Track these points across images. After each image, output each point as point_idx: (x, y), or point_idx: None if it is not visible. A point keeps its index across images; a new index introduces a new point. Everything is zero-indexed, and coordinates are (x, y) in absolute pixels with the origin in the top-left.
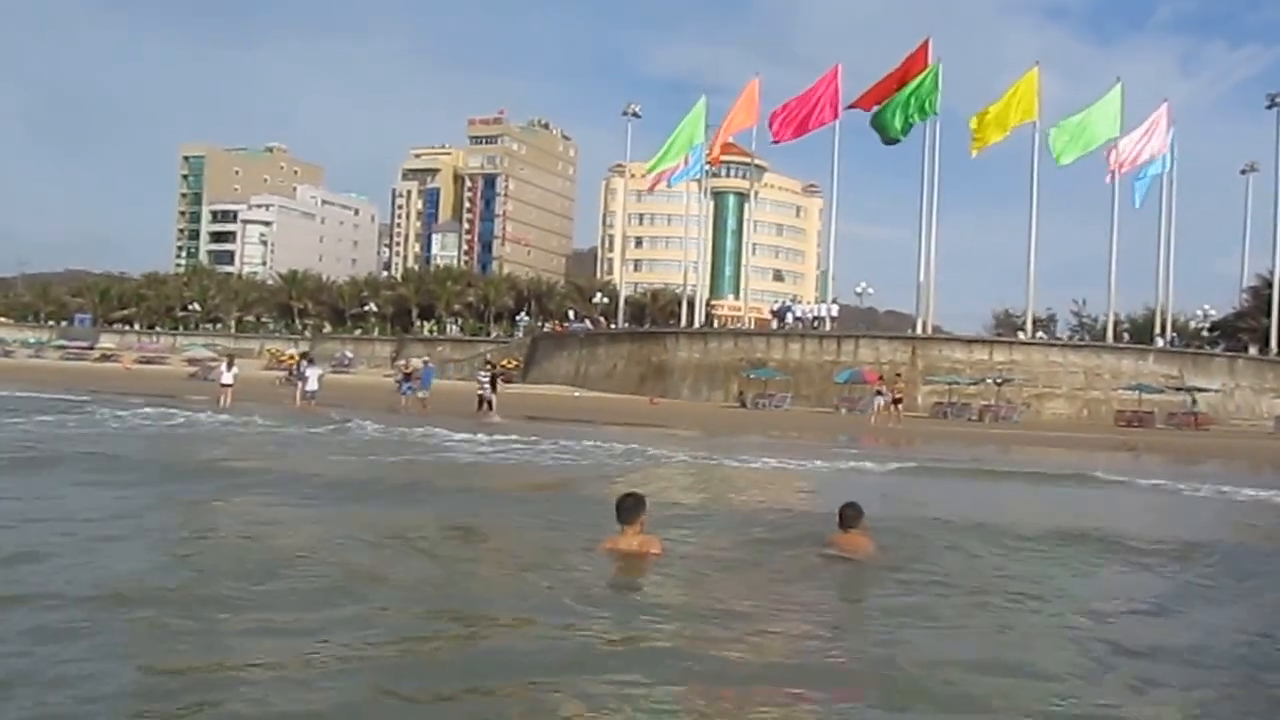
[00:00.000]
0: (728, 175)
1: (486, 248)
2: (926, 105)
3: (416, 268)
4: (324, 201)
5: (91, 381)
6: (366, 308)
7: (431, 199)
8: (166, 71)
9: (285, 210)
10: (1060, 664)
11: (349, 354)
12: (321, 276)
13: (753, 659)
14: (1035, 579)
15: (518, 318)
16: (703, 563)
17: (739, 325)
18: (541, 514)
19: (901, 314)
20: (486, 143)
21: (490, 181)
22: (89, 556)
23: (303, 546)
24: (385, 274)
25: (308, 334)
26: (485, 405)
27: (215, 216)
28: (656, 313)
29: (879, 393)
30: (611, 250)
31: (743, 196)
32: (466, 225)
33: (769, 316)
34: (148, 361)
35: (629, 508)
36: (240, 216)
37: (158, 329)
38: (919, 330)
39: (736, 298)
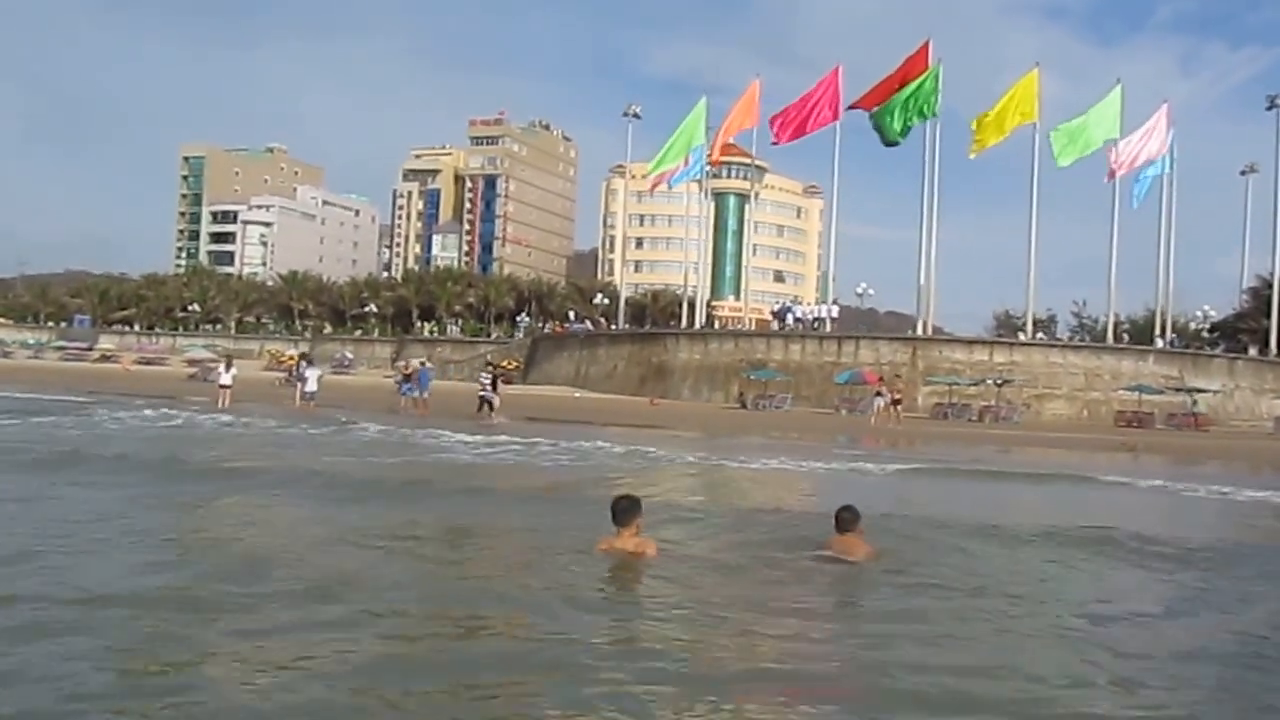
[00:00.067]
0: (728, 176)
1: (487, 248)
2: (926, 107)
3: (417, 268)
4: (324, 202)
5: (91, 382)
6: (367, 309)
7: (432, 200)
8: (167, 71)
9: (285, 211)
10: (1055, 667)
11: (349, 355)
12: (322, 277)
13: (742, 662)
14: (1033, 581)
15: (518, 319)
16: (698, 564)
17: (739, 326)
18: (539, 515)
19: (902, 315)
20: (487, 143)
21: (491, 182)
22: (80, 557)
23: (296, 547)
24: (385, 275)
25: (308, 335)
26: (486, 407)
27: (215, 217)
28: (657, 314)
29: (879, 394)
30: (612, 251)
31: (743, 197)
32: (467, 226)
33: (769, 317)
34: (147, 362)
35: (624, 509)
36: (240, 217)
37: (157, 330)
38: (919, 331)
39: (737, 299)
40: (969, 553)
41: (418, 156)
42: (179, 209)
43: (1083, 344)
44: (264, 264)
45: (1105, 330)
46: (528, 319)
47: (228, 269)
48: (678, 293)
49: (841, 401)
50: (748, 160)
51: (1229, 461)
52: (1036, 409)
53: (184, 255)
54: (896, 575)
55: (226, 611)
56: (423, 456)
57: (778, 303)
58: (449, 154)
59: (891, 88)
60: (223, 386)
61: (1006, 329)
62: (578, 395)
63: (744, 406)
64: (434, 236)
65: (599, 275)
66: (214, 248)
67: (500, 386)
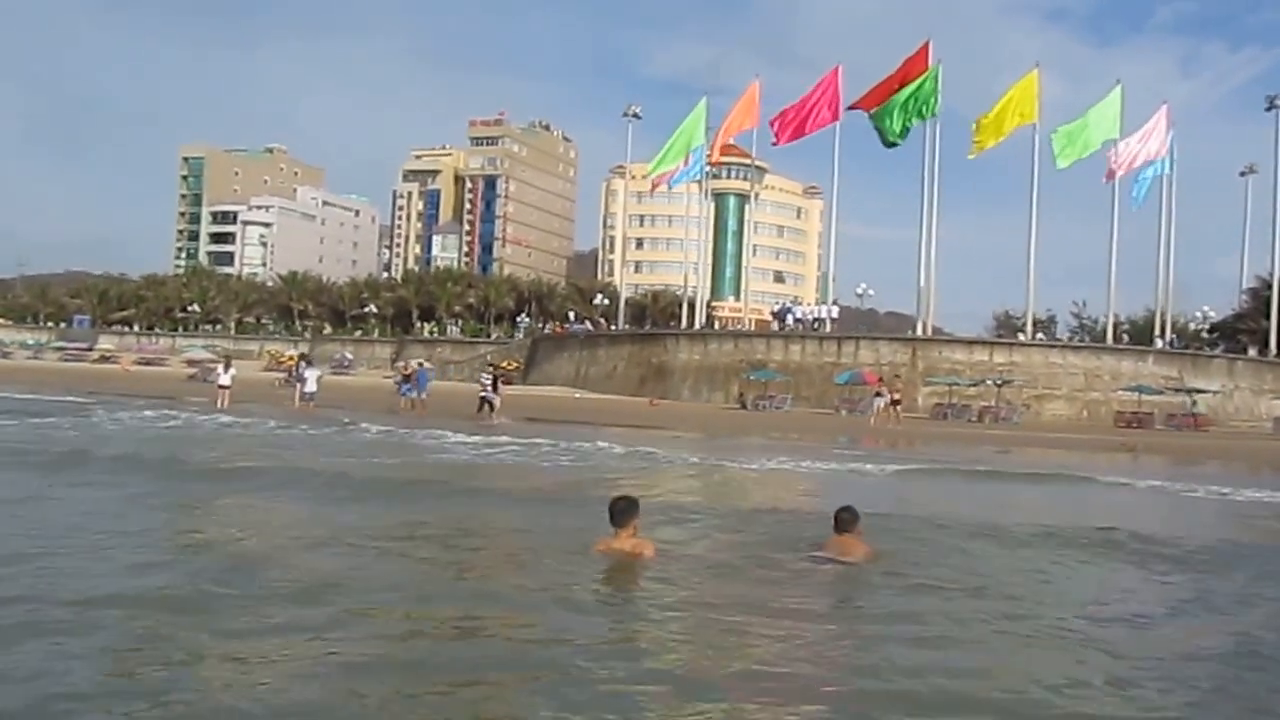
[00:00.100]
0: (728, 177)
1: (487, 249)
2: (925, 108)
3: (417, 269)
4: (324, 203)
5: (90, 383)
6: (366, 309)
7: (432, 200)
8: (166, 72)
9: (285, 211)
10: (1051, 669)
11: (349, 355)
12: (321, 278)
13: (736, 664)
14: (1031, 582)
15: (518, 319)
16: (694, 565)
17: (739, 327)
18: (537, 516)
19: (902, 315)
20: (487, 144)
21: (491, 183)
22: (75, 558)
23: (292, 548)
24: (385, 275)
25: (307, 335)
26: (487, 407)
27: (215, 218)
28: (657, 314)
29: (878, 394)
30: (612, 252)
31: (743, 198)
32: (467, 226)
33: (769, 318)
34: (147, 363)
35: (622, 510)
36: (240, 218)
37: (157, 330)
38: (919, 332)
39: (737, 299)
40: (968, 553)
41: (418, 157)
42: (179, 209)
43: (1082, 344)
44: (264, 264)
45: (1105, 331)
46: (528, 319)
47: (227, 269)
48: (678, 293)
49: (841, 402)
50: (748, 161)
51: (1228, 462)
52: (1036, 409)
53: (184, 256)
54: (894, 576)
55: (219, 612)
56: (422, 457)
57: (778, 303)
58: (449, 154)
59: (891, 88)
60: (221, 387)
61: (1006, 329)
62: (578, 396)
63: (744, 407)
64: (434, 237)
65: (599, 276)
66: (214, 248)
67: (500, 387)
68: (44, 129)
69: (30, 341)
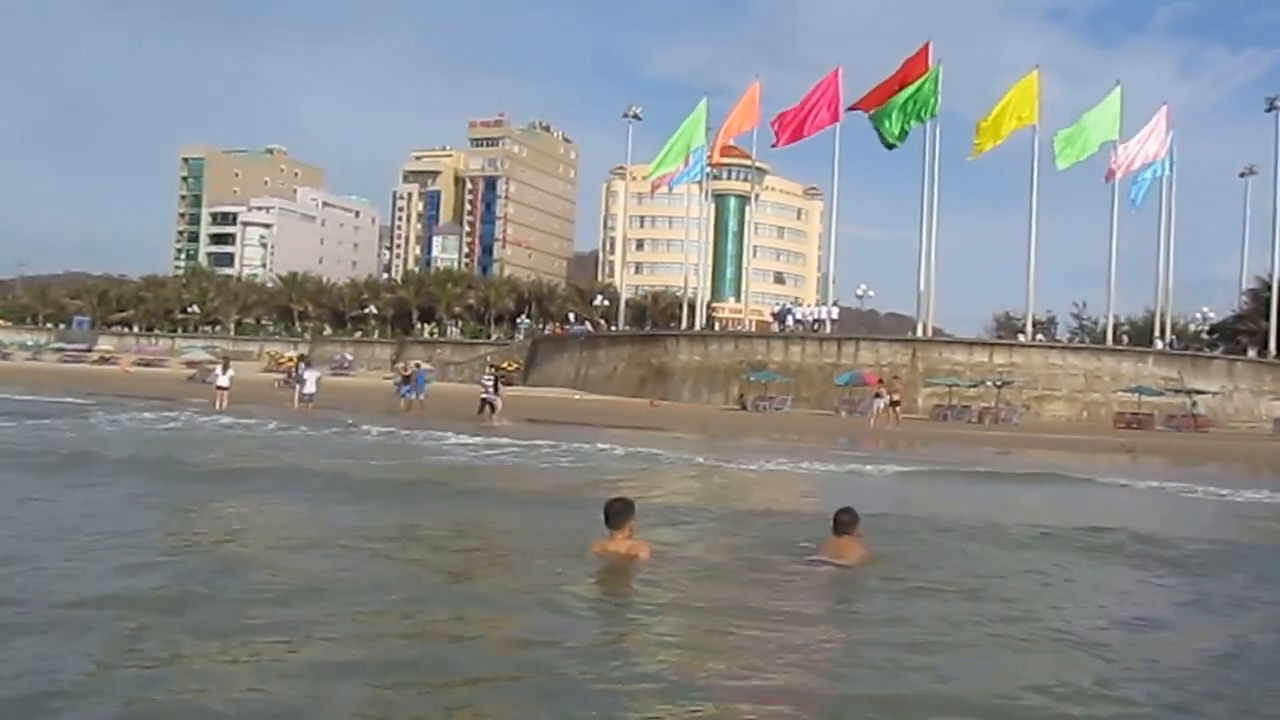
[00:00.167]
0: (729, 178)
1: (487, 250)
2: (924, 110)
3: (417, 270)
4: (324, 203)
5: (89, 384)
6: (366, 310)
7: (432, 201)
8: (166, 73)
9: (285, 212)
10: (1043, 672)
11: (349, 356)
12: (321, 279)
13: (720, 667)
14: (1028, 585)
15: (518, 320)
16: (688, 568)
17: (739, 328)
18: (535, 518)
19: (902, 316)
20: (487, 145)
21: (491, 184)
22: (67, 560)
23: (285, 549)
24: (385, 276)
25: (307, 336)
26: (488, 409)
27: (215, 219)
28: (657, 315)
29: (878, 395)
30: (612, 253)
31: (744, 199)
32: (467, 228)
33: (770, 319)
34: (146, 364)
35: (617, 512)
36: (240, 219)
37: (156, 331)
38: (919, 333)
39: (737, 300)
40: (966, 555)
41: (418, 158)
42: (178, 210)
43: (1082, 345)
44: (263, 265)
45: (1105, 332)
46: (528, 320)
47: (227, 270)
48: (678, 294)
49: (841, 403)
50: (748, 162)
51: (1228, 463)
52: (1036, 410)
53: (183, 257)
54: (890, 579)
55: (204, 613)
56: (422, 459)
57: (778, 304)
58: (449, 155)
59: (891, 89)
60: (220, 388)
61: (1006, 330)
62: (578, 397)
63: (744, 408)
64: (434, 238)
65: (599, 277)
66: (213, 249)
67: (501, 388)
68: (44, 129)
69: (29, 342)
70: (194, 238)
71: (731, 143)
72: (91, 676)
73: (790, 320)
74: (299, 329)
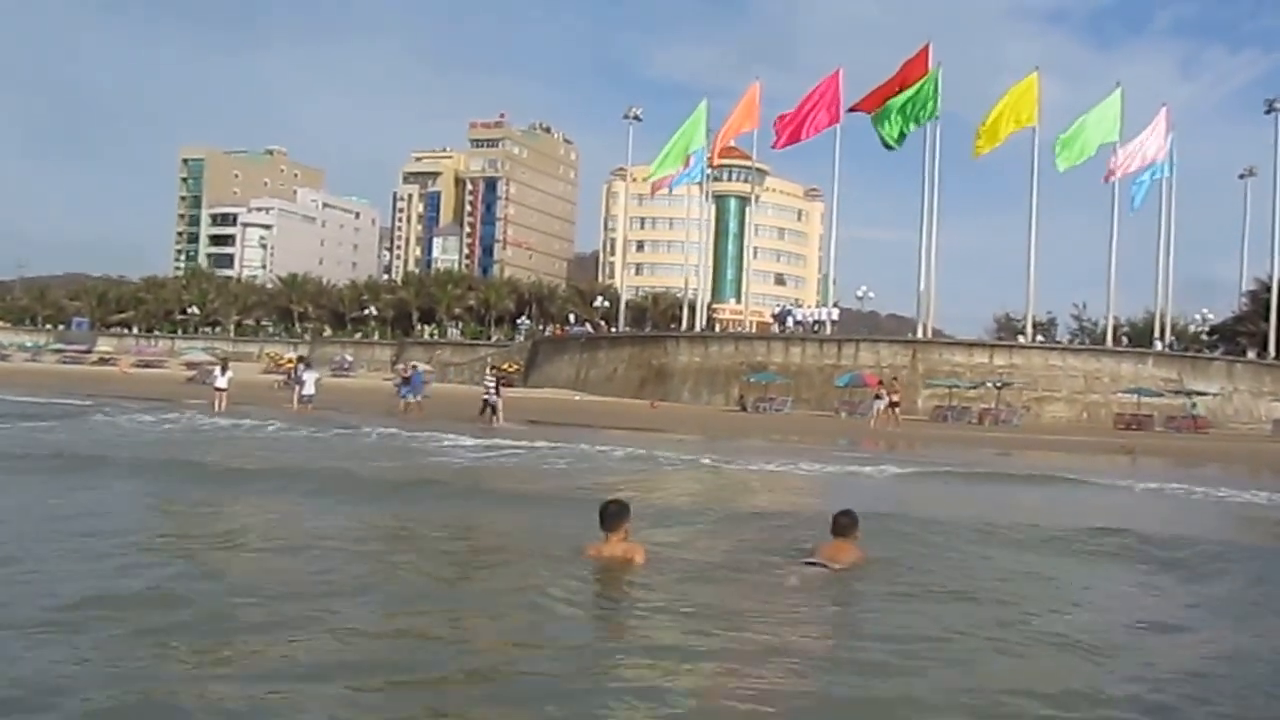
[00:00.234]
0: (729, 179)
1: (487, 251)
2: (923, 113)
3: (417, 271)
4: (324, 205)
5: (88, 386)
6: (367, 311)
7: (432, 202)
8: (166, 73)
9: (285, 213)
10: (1035, 677)
11: (349, 358)
12: (321, 280)
13: (704, 670)
14: (1025, 587)
15: (518, 321)
16: (682, 570)
17: (740, 329)
18: (531, 519)
19: (903, 317)
20: (488, 146)
21: (491, 185)
22: (49, 561)
23: (278, 549)
24: (386, 277)
25: (307, 337)
26: (489, 410)
27: (215, 220)
28: (657, 316)
29: (878, 396)
30: (613, 254)
31: (744, 200)
32: (467, 229)
33: (770, 320)
34: (146, 365)
35: (612, 514)
36: (240, 220)
37: (156, 333)
38: (919, 334)
39: (738, 301)
40: (964, 557)
41: (418, 159)
42: (178, 211)
43: (1082, 347)
44: (263, 267)
45: (1105, 333)
46: (528, 322)
47: (227, 271)
48: (678, 295)
49: (841, 404)
50: (748, 163)
51: (1228, 464)
52: (1036, 412)
53: (183, 258)
54: (885, 582)
55: (192, 613)
56: (421, 460)
57: (778, 305)
58: (449, 156)
59: (892, 90)
60: (218, 389)
61: (1006, 332)
62: (578, 398)
63: (744, 409)
64: (434, 239)
65: (599, 278)
66: (213, 250)
67: (501, 390)
68: (44, 129)
69: (28, 344)
70: (194, 239)
71: (732, 144)
72: (69, 679)
73: (790, 321)
74: (299, 330)
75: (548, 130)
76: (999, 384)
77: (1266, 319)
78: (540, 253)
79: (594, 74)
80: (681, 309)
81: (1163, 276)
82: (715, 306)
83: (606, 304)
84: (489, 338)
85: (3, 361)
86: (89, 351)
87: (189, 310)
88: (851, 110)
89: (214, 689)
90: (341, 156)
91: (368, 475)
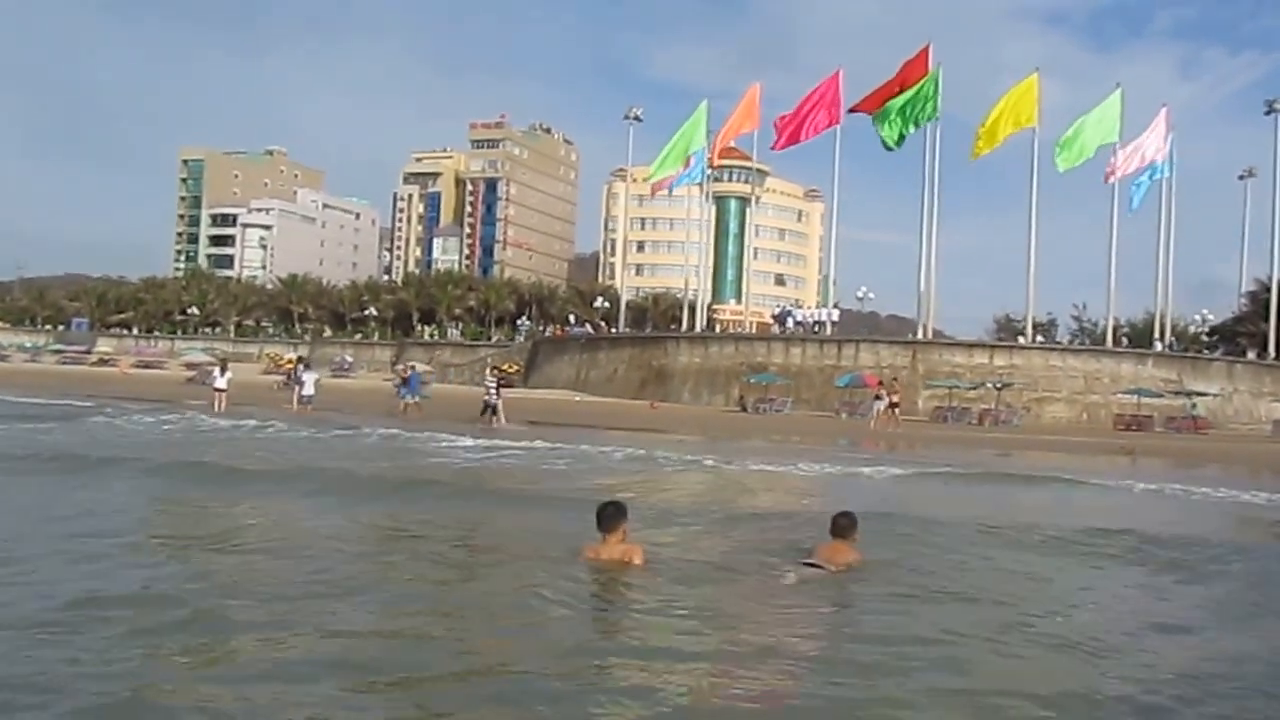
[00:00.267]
0: (729, 180)
1: (488, 252)
2: (922, 114)
3: (417, 272)
4: (324, 205)
5: (88, 386)
6: (367, 312)
7: (432, 203)
8: (166, 74)
9: (285, 214)
10: (1031, 679)
11: (349, 358)
12: (321, 280)
13: (697, 670)
14: (1023, 588)
15: (519, 322)
16: (678, 571)
17: (740, 330)
18: (529, 520)
19: (903, 318)
20: (488, 147)
21: (491, 185)
22: (39, 562)
23: (273, 549)
24: (386, 278)
25: (307, 338)
26: (490, 412)
27: (214, 220)
28: (658, 317)
29: (878, 397)
30: (613, 255)
31: (744, 201)
32: (468, 229)
33: (770, 321)
34: (145, 366)
35: (609, 515)
36: (240, 220)
37: (156, 333)
38: (919, 335)
39: (738, 302)
40: (963, 558)
41: (418, 159)
42: (178, 212)
43: (1082, 347)
44: (263, 267)
45: (1105, 334)
46: (528, 322)
47: (227, 272)
48: (679, 296)
49: (842, 405)
50: (749, 164)
51: (1228, 465)
52: (1036, 412)
53: (183, 258)
54: (882, 583)
55: (177, 614)
56: (420, 460)
57: (779, 306)
58: (450, 157)
59: (892, 91)
60: (218, 390)
61: (1006, 332)
62: (578, 399)
63: (744, 410)
64: (434, 240)
65: (600, 279)
66: (213, 251)
67: (501, 391)
68: (44, 130)
69: (28, 344)
70: (194, 239)
71: (732, 145)
72: (59, 677)
73: (790, 322)
74: (299, 331)
75: (548, 131)
76: (999, 385)
77: (1266, 319)
78: (540, 253)
79: (594, 74)
80: (682, 310)
81: (1162, 277)
82: (715, 307)
83: (607, 305)
84: (489, 338)
85: (2, 362)
86: (88, 352)
87: (189, 311)
88: (851, 111)
89: (207, 689)
90: (341, 157)
91: (367, 476)
